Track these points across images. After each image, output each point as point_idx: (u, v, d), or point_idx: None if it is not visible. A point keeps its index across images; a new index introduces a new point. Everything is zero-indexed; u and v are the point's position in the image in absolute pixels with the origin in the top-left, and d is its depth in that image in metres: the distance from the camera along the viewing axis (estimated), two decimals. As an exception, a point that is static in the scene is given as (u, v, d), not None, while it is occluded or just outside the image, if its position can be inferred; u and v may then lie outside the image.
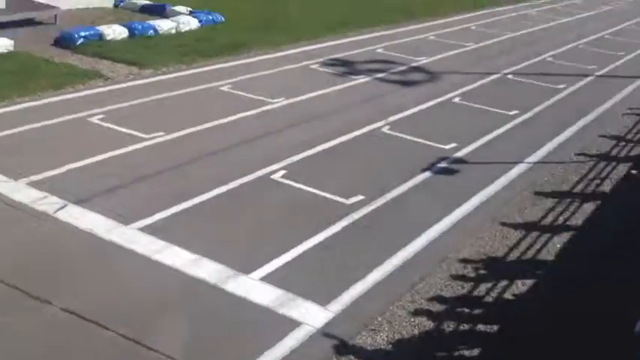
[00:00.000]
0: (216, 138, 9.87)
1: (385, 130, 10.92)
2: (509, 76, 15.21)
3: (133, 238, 6.78)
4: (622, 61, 17.89)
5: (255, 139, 9.97)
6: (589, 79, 15.64)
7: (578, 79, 15.40)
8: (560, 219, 8.51)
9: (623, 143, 11.64)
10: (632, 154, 11.19)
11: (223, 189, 8.17)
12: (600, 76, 16.11)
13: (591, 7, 27.68)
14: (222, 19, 17.41)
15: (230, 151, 9.47)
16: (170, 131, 9.81)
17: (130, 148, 9.16)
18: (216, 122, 10.44)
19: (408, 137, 10.63)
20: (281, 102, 11.74)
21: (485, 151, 10.46)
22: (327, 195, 8.28)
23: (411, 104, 12.35)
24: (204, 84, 12.35)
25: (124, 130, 9.72)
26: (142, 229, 6.96)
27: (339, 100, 12.33)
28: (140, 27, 15.28)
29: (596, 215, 8.67)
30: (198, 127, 10.14)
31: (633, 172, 10.09)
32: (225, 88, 12.25)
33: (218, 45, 15.08)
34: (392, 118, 11.44)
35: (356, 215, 7.83)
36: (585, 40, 20.15)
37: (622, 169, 10.36)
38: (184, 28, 16.16)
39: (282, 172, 8.82)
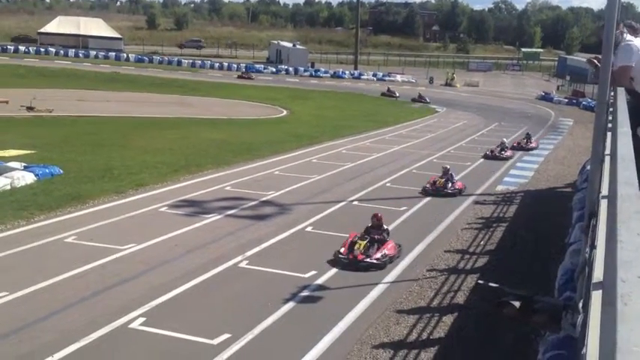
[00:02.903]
0: (64, 292, 9.24)
1: (243, 265, 10.85)
2: (355, 203, 15.89)
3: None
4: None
5: (106, 289, 9.46)
6: (427, 199, 16.70)
7: (417, 201, 16.41)
8: (424, 334, 8.72)
9: (467, 256, 12.38)
10: (476, 265, 11.91)
11: (79, 344, 7.58)
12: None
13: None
14: (60, 171, 16.86)
15: (81, 304, 8.88)
16: (13, 291, 9.07)
17: (-34, 313, 8.33)
18: (63, 276, 9.82)
19: (267, 269, 10.61)
20: (132, 248, 11.34)
21: (345, 276, 10.63)
22: (192, 337, 7.93)
23: (266, 237, 12.43)
24: (48, 237, 11.69)
25: (-43, 294, 8.85)
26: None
27: (193, 240, 12.13)
28: (-30, 185, 14.37)
29: (454, 327, 8.99)
30: (45, 283, 9.48)
31: (480, 282, 10.68)
32: (70, 240, 11.65)
33: (57, 197, 14.47)
34: (249, 253, 11.42)
35: (224, 355, 7.53)
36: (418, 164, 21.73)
37: (470, 280, 10.94)
38: (20, 183, 15.40)
39: (142, 319, 8.37)
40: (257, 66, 72.05)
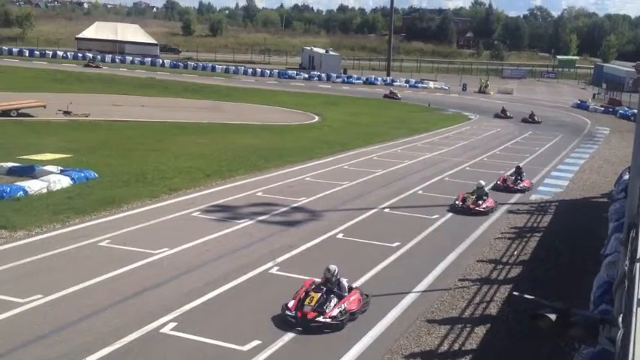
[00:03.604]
0: (97, 296, 9.34)
1: (274, 271, 10.86)
2: (386, 210, 15.80)
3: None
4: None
5: (138, 293, 9.54)
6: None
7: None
8: (456, 345, 8.61)
9: (500, 266, 12.20)
10: (510, 276, 11.73)
11: (111, 348, 7.66)
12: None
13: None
14: (95, 175, 17.09)
15: (114, 308, 8.96)
16: (48, 293, 9.20)
17: (7, 314, 8.48)
18: (96, 279, 9.93)
19: (298, 276, 10.59)
20: (164, 252, 11.42)
21: (375, 284, 10.56)
22: (222, 343, 7.94)
23: (297, 244, 12.42)
24: (82, 241, 11.83)
25: (-4, 296, 9.01)
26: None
27: (224, 245, 12.17)
28: (8, 189, 14.61)
29: (487, 339, 8.86)
30: (79, 286, 9.59)
31: (515, 293, 10.50)
32: (104, 244, 11.78)
33: (92, 201, 14.67)
34: (280, 259, 11.42)
35: (254, 363, 7.53)
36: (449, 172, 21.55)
37: (503, 290, 10.78)
38: (56, 187, 15.65)
39: (173, 324, 8.42)
40: (290, 72, 72.31)
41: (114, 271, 10.36)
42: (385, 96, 52.53)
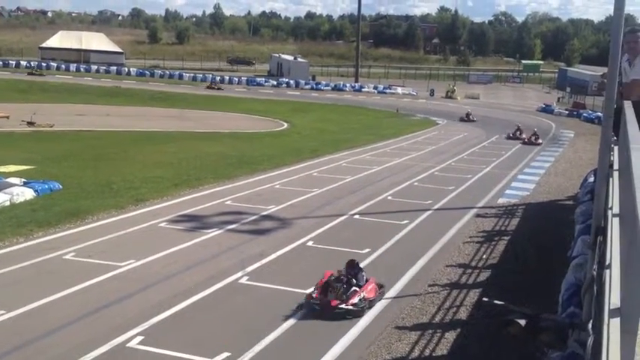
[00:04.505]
0: (62, 310, 9.12)
1: (243, 281, 10.72)
2: (356, 216, 15.76)
3: None
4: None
5: (105, 307, 9.33)
6: (429, 212, 16.57)
7: (419, 214, 16.27)
8: (427, 351, 8.58)
9: (469, 270, 12.23)
10: (479, 280, 11.76)
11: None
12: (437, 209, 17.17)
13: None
14: (60, 186, 16.76)
15: (79, 322, 8.75)
16: (11, 309, 8.94)
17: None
18: (61, 293, 9.70)
19: (268, 285, 10.48)
20: (131, 264, 11.21)
21: (344, 292, 10.47)
22: (190, 357, 7.79)
23: (266, 252, 12.30)
24: (46, 254, 11.56)
25: (-47, 313, 8.72)
26: None
27: (192, 255, 12.00)
28: (-31, 202, 14.28)
29: (457, 344, 8.84)
30: (43, 301, 9.35)
31: (485, 299, 10.51)
32: (68, 257, 11.53)
33: (57, 213, 14.36)
34: (249, 268, 11.29)
35: (223, 376, 7.39)
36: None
37: (473, 295, 10.80)
38: (19, 199, 15.30)
39: (140, 338, 8.24)
40: (258, 79, 72.15)
41: (79, 284, 10.13)
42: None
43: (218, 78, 70.59)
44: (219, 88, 60.86)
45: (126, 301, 9.63)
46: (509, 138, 34.32)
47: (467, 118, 43.43)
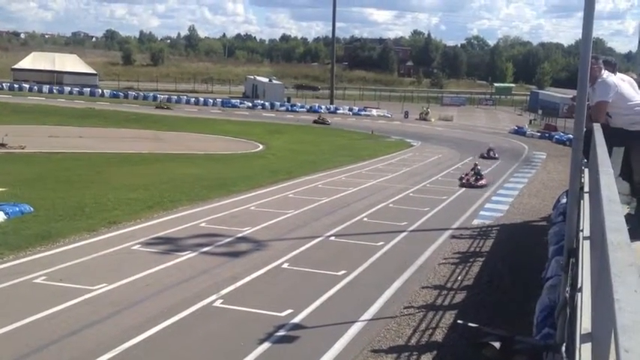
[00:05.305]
0: (33, 335, 8.92)
1: (218, 304, 10.61)
2: (332, 238, 15.74)
3: None
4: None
5: (76, 332, 9.16)
6: (404, 234, 16.62)
7: (394, 235, 16.30)
8: (403, 374, 8.55)
9: (445, 292, 12.25)
10: (454, 301, 11.78)
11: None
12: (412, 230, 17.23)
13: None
14: (31, 209, 16.52)
15: (50, 347, 8.58)
16: (-23, 335, 8.74)
17: None
18: (32, 318, 9.50)
19: (242, 309, 10.38)
20: (103, 288, 11.04)
21: (321, 314, 10.43)
22: (164, 383, 7.66)
23: (241, 275, 12.21)
24: (16, 278, 11.34)
25: None
26: None
27: (166, 279, 11.86)
28: (-63, 224, 13.99)
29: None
30: (13, 326, 9.16)
31: (459, 321, 10.52)
32: (39, 280, 11.32)
33: (28, 236, 14.14)
34: (224, 291, 11.18)
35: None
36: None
37: (449, 316, 10.80)
38: (-11, 221, 15.06)
39: (112, 364, 8.10)
40: (233, 101, 72.16)
41: (50, 308, 9.94)
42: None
43: (193, 99, 70.43)
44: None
45: (98, 325, 9.46)
46: (482, 157, 34.86)
47: (487, 155, 35.72)
